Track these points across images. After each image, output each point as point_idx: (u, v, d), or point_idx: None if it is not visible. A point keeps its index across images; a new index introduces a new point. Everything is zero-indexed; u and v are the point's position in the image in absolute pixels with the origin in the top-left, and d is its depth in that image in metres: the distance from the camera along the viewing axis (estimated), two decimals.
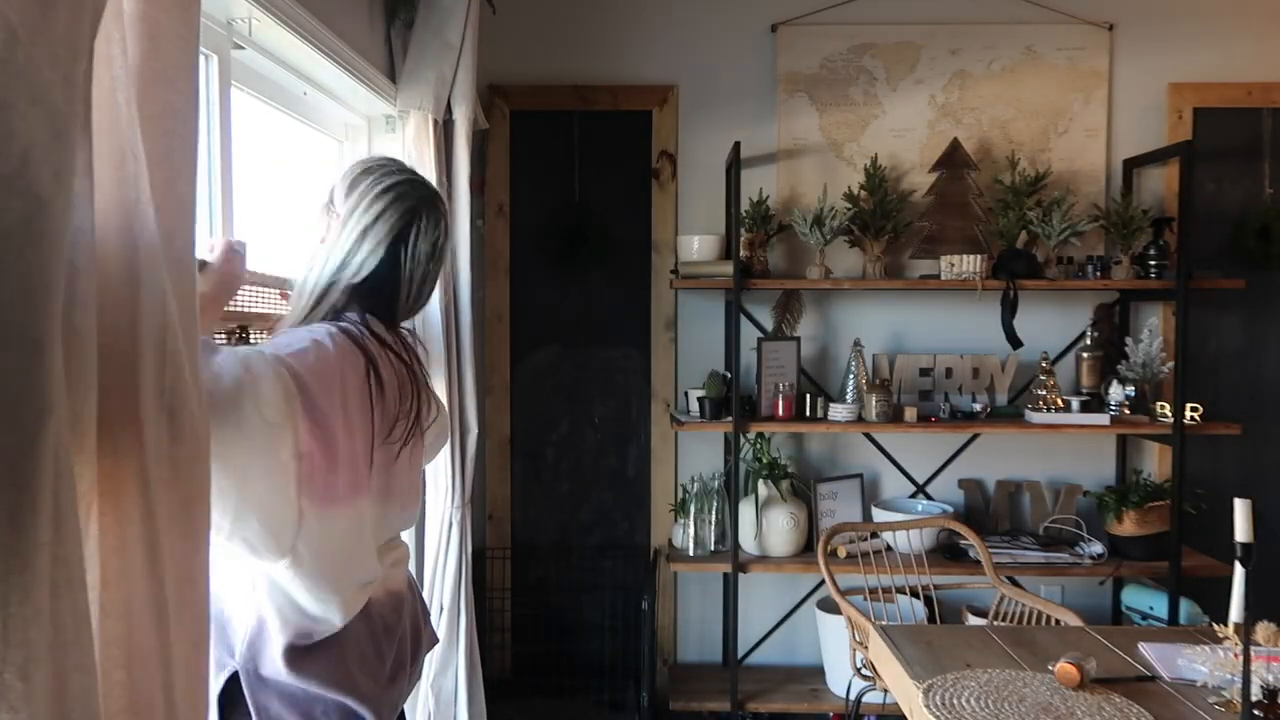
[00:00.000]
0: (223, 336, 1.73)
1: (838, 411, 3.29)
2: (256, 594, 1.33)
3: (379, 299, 1.46)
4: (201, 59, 1.60)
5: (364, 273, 1.43)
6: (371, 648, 1.44)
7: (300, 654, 1.34)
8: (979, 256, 3.25)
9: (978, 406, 3.42)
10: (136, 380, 1.03)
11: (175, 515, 1.07)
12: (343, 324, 1.41)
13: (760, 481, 3.37)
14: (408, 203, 1.45)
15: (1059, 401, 3.32)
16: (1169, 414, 3.22)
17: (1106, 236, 3.46)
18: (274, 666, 1.33)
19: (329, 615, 1.35)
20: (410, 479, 1.54)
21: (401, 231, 1.44)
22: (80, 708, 0.76)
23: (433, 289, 1.54)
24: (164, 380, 1.06)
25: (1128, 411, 3.31)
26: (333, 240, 1.44)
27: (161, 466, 1.05)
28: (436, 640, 1.62)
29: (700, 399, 3.35)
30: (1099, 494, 3.42)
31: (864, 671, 2.91)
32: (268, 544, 1.25)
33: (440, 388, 2.66)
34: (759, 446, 3.43)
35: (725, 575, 3.56)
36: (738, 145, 3.20)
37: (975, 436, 3.55)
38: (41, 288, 0.72)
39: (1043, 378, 3.36)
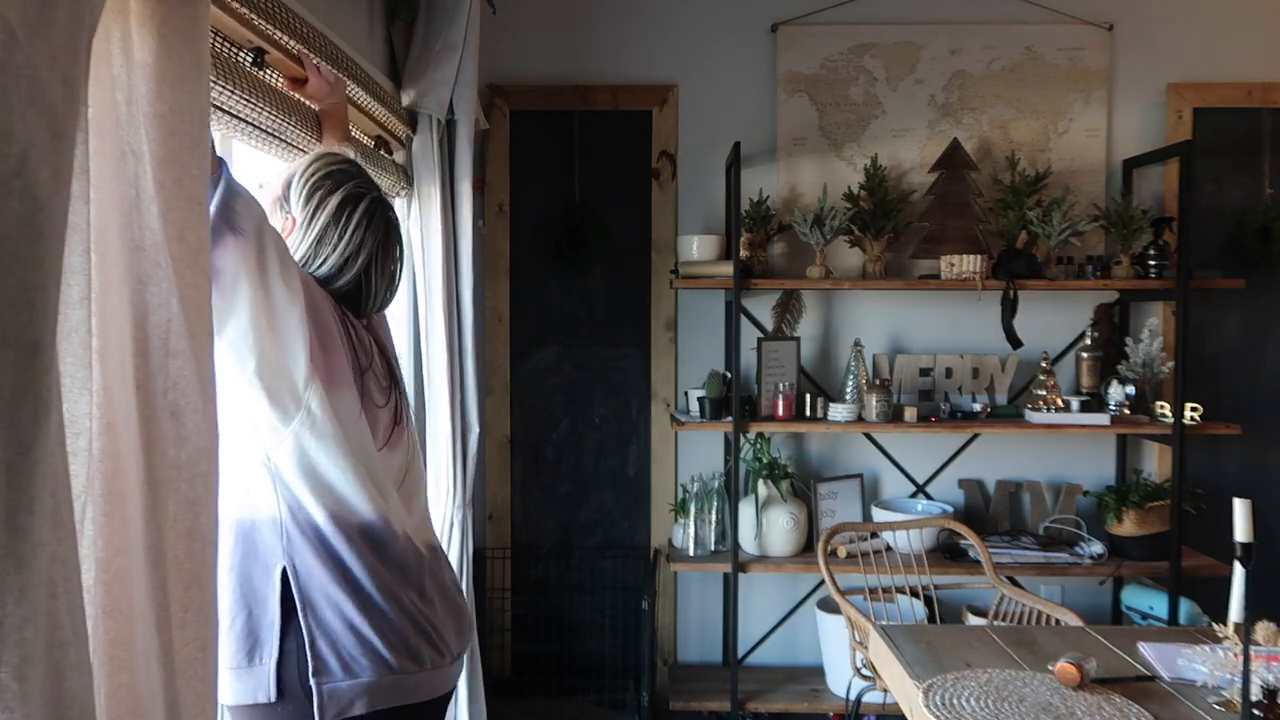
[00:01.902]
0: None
1: (838, 411, 3.29)
2: (282, 483, 1.36)
3: (341, 296, 1.52)
4: None
5: (326, 275, 1.50)
6: (415, 584, 1.46)
7: (340, 521, 1.39)
8: (979, 256, 3.25)
9: (978, 406, 3.41)
10: (137, 380, 1.03)
11: (180, 517, 1.07)
12: None
13: (760, 481, 3.37)
14: (368, 218, 1.51)
15: (1059, 401, 3.32)
16: (1169, 414, 3.21)
17: (1106, 236, 3.46)
18: (318, 534, 1.37)
19: (356, 497, 1.38)
20: (398, 438, 1.57)
21: (362, 243, 1.50)
22: (77, 708, 0.76)
23: (395, 288, 1.60)
24: (167, 380, 1.06)
25: (1128, 411, 3.31)
26: (294, 243, 1.49)
27: (165, 468, 1.05)
28: (472, 627, 1.64)
29: (700, 399, 3.35)
30: (1099, 494, 3.42)
31: (864, 671, 2.91)
32: (285, 384, 1.31)
33: (442, 388, 2.66)
34: (759, 446, 3.42)
35: (725, 575, 3.56)
36: (738, 145, 3.20)
37: (975, 436, 3.55)
38: (40, 287, 0.72)
39: (1043, 378, 3.36)
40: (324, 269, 1.49)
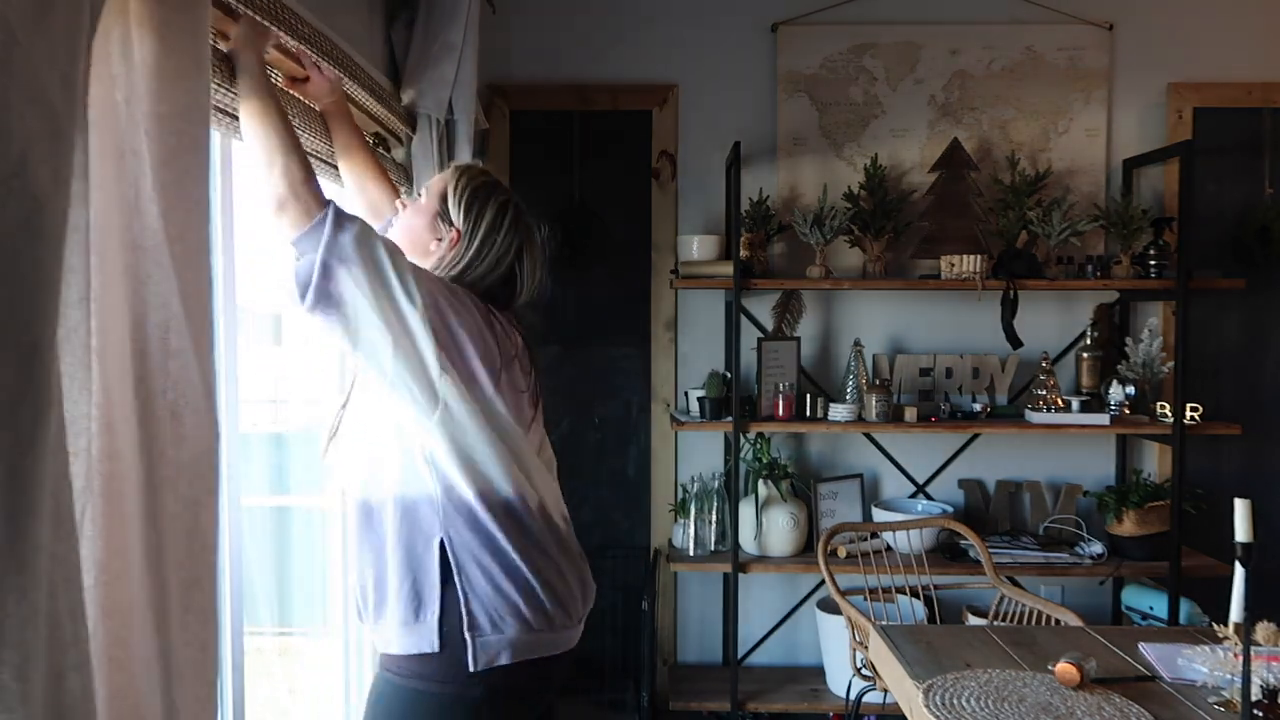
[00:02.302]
0: None
1: (838, 411, 3.29)
2: (435, 467, 1.56)
3: (494, 293, 1.71)
4: None
5: (483, 273, 1.69)
6: (549, 554, 1.64)
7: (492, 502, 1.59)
8: (979, 256, 3.25)
9: (978, 406, 3.41)
10: (137, 380, 1.03)
11: (180, 517, 1.07)
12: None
13: (760, 481, 3.37)
14: (517, 223, 1.73)
15: (1059, 401, 3.32)
16: (1169, 414, 3.21)
17: (1106, 236, 3.46)
18: (469, 510, 1.57)
19: (499, 478, 1.58)
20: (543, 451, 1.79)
21: (513, 244, 1.71)
22: (77, 708, 0.76)
23: (540, 282, 1.79)
24: (167, 380, 1.06)
25: (1128, 411, 3.31)
26: (456, 252, 1.69)
27: (165, 468, 1.05)
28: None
29: (700, 399, 3.35)
30: (1099, 494, 3.42)
31: (864, 671, 2.91)
32: (422, 388, 1.50)
33: None
34: (759, 446, 3.42)
35: (725, 575, 3.56)
36: (738, 145, 3.20)
37: (975, 436, 3.55)
38: (39, 287, 0.72)
39: (1043, 378, 3.36)
40: (482, 268, 1.69)
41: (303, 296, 1.42)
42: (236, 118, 1.52)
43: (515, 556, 1.59)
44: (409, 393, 1.50)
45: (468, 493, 1.56)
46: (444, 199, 1.72)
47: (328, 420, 1.72)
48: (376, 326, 1.45)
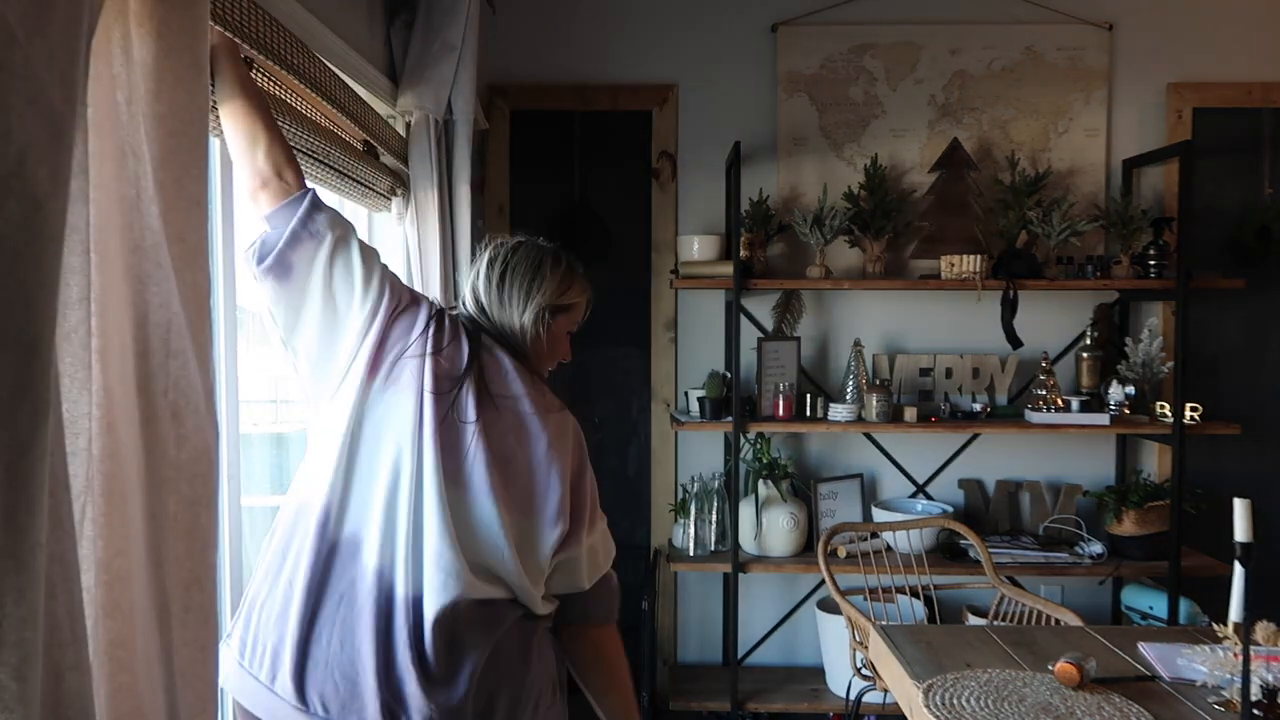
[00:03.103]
0: None
1: (838, 411, 3.29)
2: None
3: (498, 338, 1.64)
4: None
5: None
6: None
7: None
8: (979, 256, 3.25)
9: (978, 406, 3.41)
10: (138, 380, 1.03)
11: (180, 517, 1.07)
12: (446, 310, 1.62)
13: (760, 481, 3.37)
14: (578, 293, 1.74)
15: (1059, 401, 3.32)
16: (1169, 414, 3.21)
17: (1106, 236, 3.46)
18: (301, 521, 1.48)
19: (311, 497, 1.45)
20: (489, 502, 1.48)
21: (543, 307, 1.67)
22: (76, 708, 0.76)
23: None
24: (167, 380, 1.06)
25: (1128, 411, 3.31)
26: (480, 290, 1.65)
27: (165, 468, 1.05)
28: None
29: (700, 399, 3.35)
30: (1099, 494, 3.42)
31: (864, 671, 2.91)
32: (330, 370, 1.46)
33: None
34: (759, 446, 3.42)
35: (725, 575, 3.56)
36: (738, 145, 3.20)
37: (975, 436, 3.55)
38: (39, 287, 0.72)
39: (1043, 378, 3.36)
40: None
41: (260, 259, 1.42)
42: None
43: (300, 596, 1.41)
44: (315, 386, 1.49)
45: (289, 507, 1.50)
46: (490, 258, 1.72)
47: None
48: (316, 307, 1.44)
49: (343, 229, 1.48)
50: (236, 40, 1.45)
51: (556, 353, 1.74)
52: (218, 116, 1.48)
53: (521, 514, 1.49)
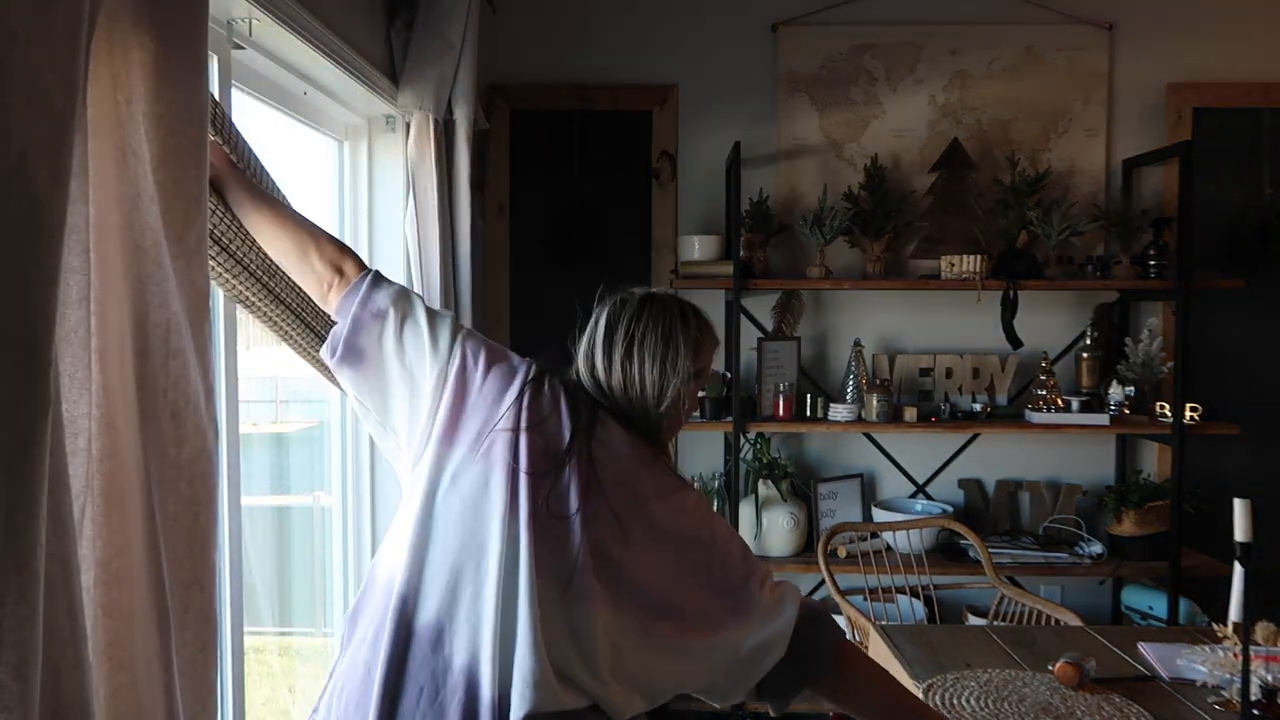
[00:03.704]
0: None
1: (838, 411, 3.29)
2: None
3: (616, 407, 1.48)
4: None
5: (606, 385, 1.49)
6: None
7: None
8: (979, 256, 3.25)
9: (978, 406, 3.41)
10: (137, 380, 1.03)
11: (179, 517, 1.07)
12: (552, 376, 1.48)
13: (760, 481, 3.37)
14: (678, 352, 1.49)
15: (1059, 401, 3.32)
16: (1169, 414, 3.21)
17: (1106, 236, 3.46)
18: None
19: (391, 575, 1.31)
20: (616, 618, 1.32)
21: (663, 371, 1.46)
22: (76, 707, 0.76)
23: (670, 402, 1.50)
24: (167, 380, 1.06)
25: (1128, 411, 3.31)
26: (600, 367, 1.50)
27: (164, 468, 1.05)
28: None
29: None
30: (1099, 494, 3.42)
31: None
32: (421, 441, 1.36)
33: None
34: (759, 446, 3.42)
35: None
36: (738, 145, 3.20)
37: (975, 436, 3.55)
38: (39, 287, 0.72)
39: (1043, 378, 3.36)
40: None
41: (333, 351, 1.39)
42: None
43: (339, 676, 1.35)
44: (410, 452, 1.40)
45: (375, 579, 1.37)
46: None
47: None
48: (394, 382, 1.40)
49: (406, 300, 1.44)
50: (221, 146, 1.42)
51: (687, 414, 1.55)
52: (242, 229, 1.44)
53: (632, 615, 1.32)
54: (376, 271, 1.46)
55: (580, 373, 1.51)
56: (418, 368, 1.40)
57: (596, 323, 1.53)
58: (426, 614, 1.29)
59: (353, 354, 1.39)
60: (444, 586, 1.29)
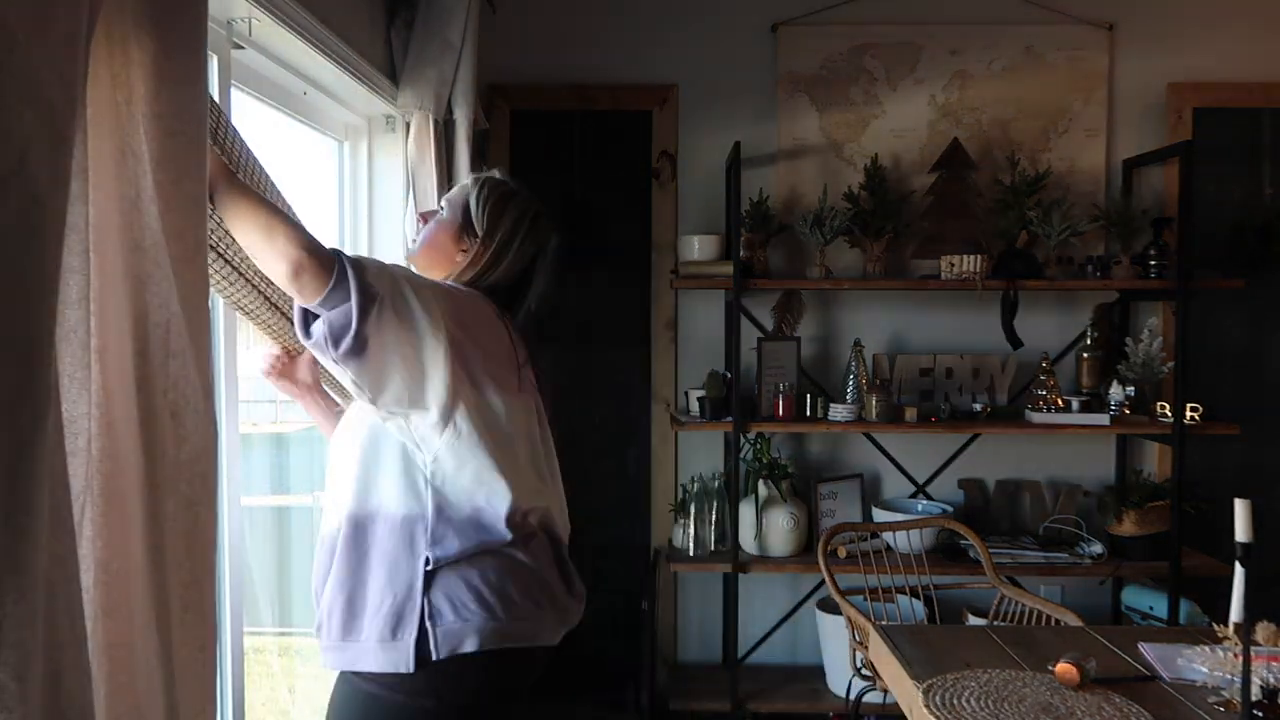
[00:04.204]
0: None
1: (838, 411, 3.29)
2: (433, 486, 1.56)
3: (497, 295, 1.72)
4: None
5: (497, 279, 1.72)
6: (546, 573, 1.70)
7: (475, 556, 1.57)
8: (979, 256, 3.25)
9: (978, 406, 3.41)
10: (137, 380, 1.03)
11: (179, 517, 1.07)
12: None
13: (760, 481, 3.37)
14: (536, 229, 1.75)
15: (1059, 401, 3.32)
16: (1169, 414, 3.21)
17: (1106, 236, 3.46)
18: (453, 549, 1.56)
19: (495, 492, 1.58)
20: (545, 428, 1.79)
21: (531, 251, 1.74)
22: (76, 707, 0.76)
23: (546, 298, 1.79)
24: (167, 380, 1.06)
25: (1128, 411, 3.31)
26: (482, 260, 1.71)
27: (164, 468, 1.05)
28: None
29: (700, 399, 3.35)
30: (1099, 494, 3.42)
31: (864, 671, 2.91)
32: (440, 410, 1.53)
33: None
34: (759, 446, 3.42)
35: (725, 575, 3.56)
36: (738, 145, 3.20)
37: (975, 436, 3.55)
38: (38, 287, 0.72)
39: (1043, 378, 3.36)
40: (497, 274, 1.71)
41: (338, 345, 1.42)
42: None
43: (496, 568, 1.59)
44: (424, 415, 1.53)
45: (464, 510, 1.57)
46: (467, 210, 1.74)
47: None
48: (400, 361, 1.47)
49: (390, 277, 1.49)
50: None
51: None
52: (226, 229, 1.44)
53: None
54: (341, 252, 1.46)
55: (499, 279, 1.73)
56: (424, 343, 1.49)
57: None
58: (537, 514, 1.69)
59: (359, 344, 1.43)
60: (535, 488, 1.67)
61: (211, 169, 1.41)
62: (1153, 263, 3.30)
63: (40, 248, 0.72)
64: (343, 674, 1.59)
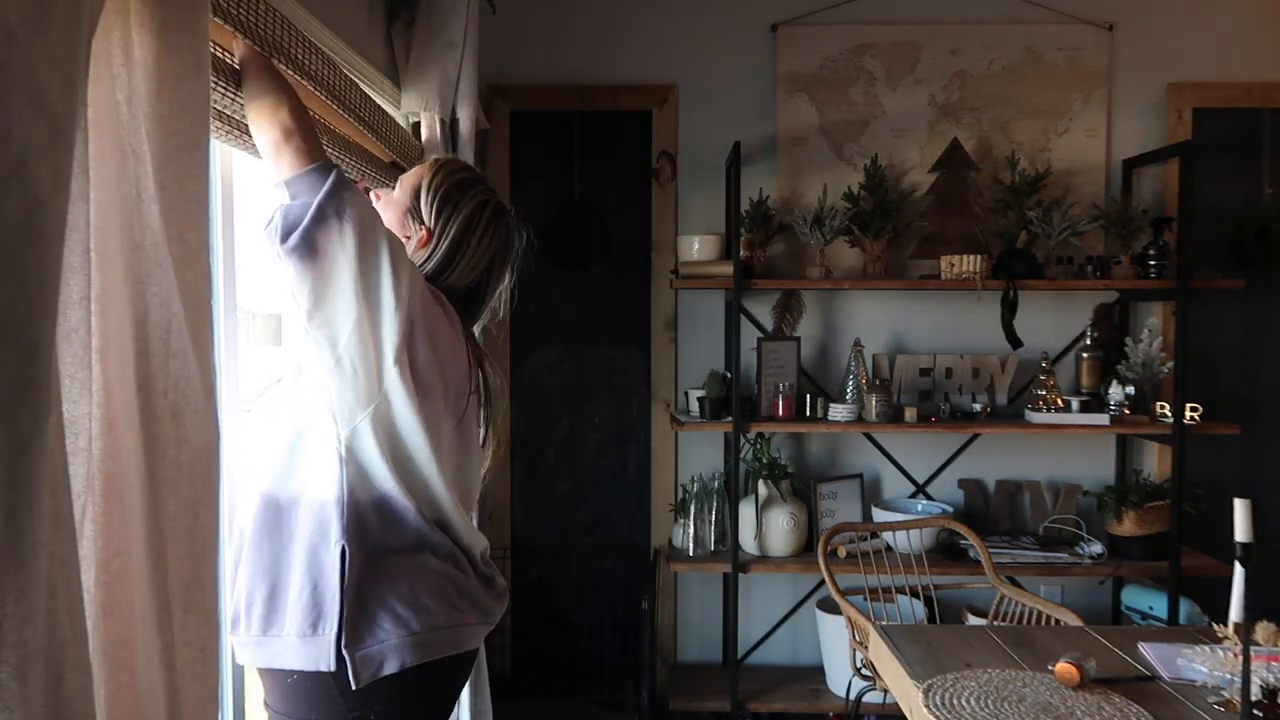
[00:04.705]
0: None
1: (838, 411, 3.29)
2: (352, 467, 1.44)
3: (456, 299, 1.62)
4: None
5: (453, 282, 1.61)
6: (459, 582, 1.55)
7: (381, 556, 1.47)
8: (979, 256, 3.25)
9: (978, 406, 3.41)
10: (138, 380, 1.03)
11: (180, 517, 1.07)
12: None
13: (760, 481, 3.37)
14: (494, 225, 1.66)
15: (1059, 401, 3.32)
16: (1169, 414, 3.21)
17: (1106, 236, 3.46)
18: (379, 512, 1.47)
19: (417, 481, 1.48)
20: (471, 460, 1.66)
21: (490, 250, 1.64)
22: (77, 708, 0.76)
23: (503, 293, 1.72)
24: (168, 380, 1.06)
25: (1128, 411, 3.31)
26: (424, 253, 1.60)
27: (165, 468, 1.05)
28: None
29: (700, 399, 3.35)
30: (1099, 494, 3.42)
31: (864, 671, 2.91)
32: (368, 374, 1.40)
33: None
34: (759, 446, 3.42)
35: (725, 575, 3.56)
36: (738, 145, 3.20)
37: (975, 436, 3.55)
38: (39, 287, 0.72)
39: (1043, 378, 3.36)
40: (452, 276, 1.61)
41: (286, 236, 1.32)
42: (237, 124, 1.48)
43: (409, 578, 1.48)
44: (352, 375, 1.39)
45: (384, 495, 1.46)
46: (417, 194, 1.62)
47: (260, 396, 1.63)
48: (348, 293, 1.35)
49: (370, 212, 1.41)
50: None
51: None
52: (230, 124, 1.46)
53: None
54: (340, 167, 1.40)
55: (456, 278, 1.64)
56: (380, 295, 1.39)
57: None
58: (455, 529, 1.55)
59: (308, 247, 1.33)
60: (455, 505, 1.54)
61: (248, 52, 1.42)
62: (1153, 263, 3.30)
63: (42, 248, 0.72)
64: (264, 671, 1.48)
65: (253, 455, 1.54)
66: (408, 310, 1.42)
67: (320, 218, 1.33)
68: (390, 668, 1.43)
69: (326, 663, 1.41)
